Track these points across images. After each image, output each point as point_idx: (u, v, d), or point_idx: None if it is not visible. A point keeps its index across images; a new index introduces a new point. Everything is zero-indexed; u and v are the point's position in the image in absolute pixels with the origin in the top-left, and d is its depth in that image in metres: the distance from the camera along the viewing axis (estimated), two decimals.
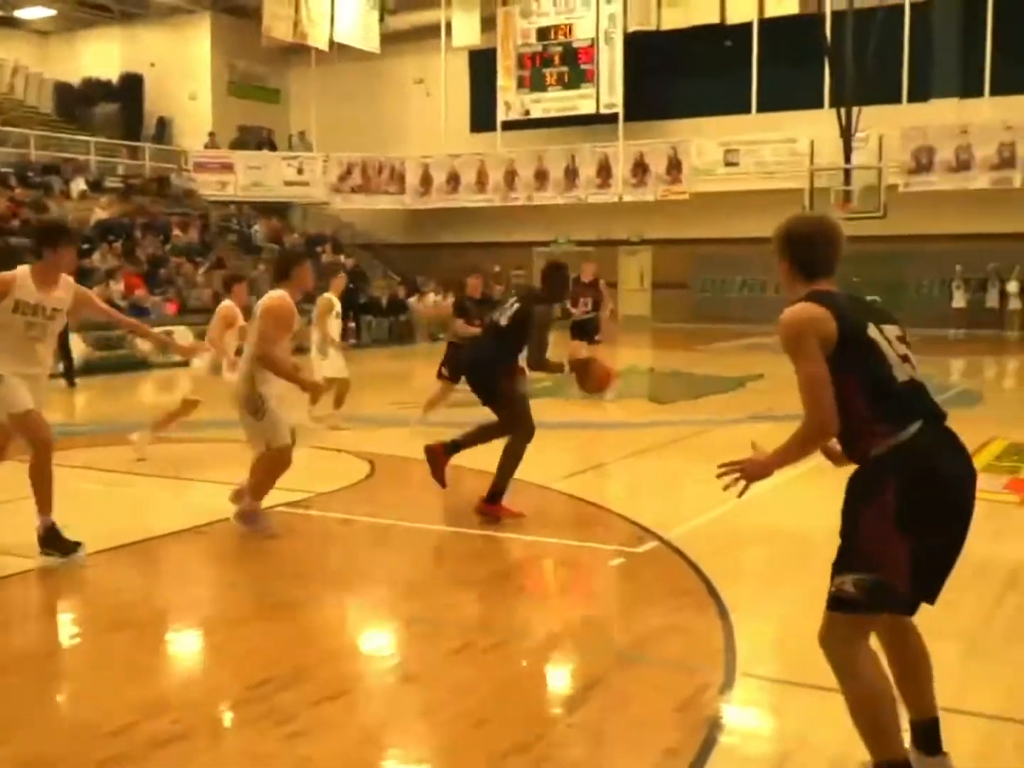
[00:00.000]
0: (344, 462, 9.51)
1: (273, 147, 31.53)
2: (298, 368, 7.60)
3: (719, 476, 3.48)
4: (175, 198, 28.80)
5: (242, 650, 4.94)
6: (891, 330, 3.40)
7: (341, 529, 7.36)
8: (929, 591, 3.32)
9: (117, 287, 21.64)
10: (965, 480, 3.33)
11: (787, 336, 3.33)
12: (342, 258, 28.13)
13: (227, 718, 4.33)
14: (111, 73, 32.21)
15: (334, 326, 11.53)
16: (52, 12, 31.51)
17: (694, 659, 4.77)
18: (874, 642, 3.44)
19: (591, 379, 7.66)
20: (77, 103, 32.41)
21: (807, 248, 3.49)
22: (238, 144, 31.23)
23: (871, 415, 3.28)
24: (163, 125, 32.14)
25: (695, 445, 10.38)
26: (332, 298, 11.50)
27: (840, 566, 3.31)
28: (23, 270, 6.30)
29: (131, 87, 32.06)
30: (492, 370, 7.28)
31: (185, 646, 5.26)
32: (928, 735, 3.49)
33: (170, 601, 5.87)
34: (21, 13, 31.35)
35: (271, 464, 6.79)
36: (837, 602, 3.32)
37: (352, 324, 24.09)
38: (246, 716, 4.26)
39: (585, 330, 14.16)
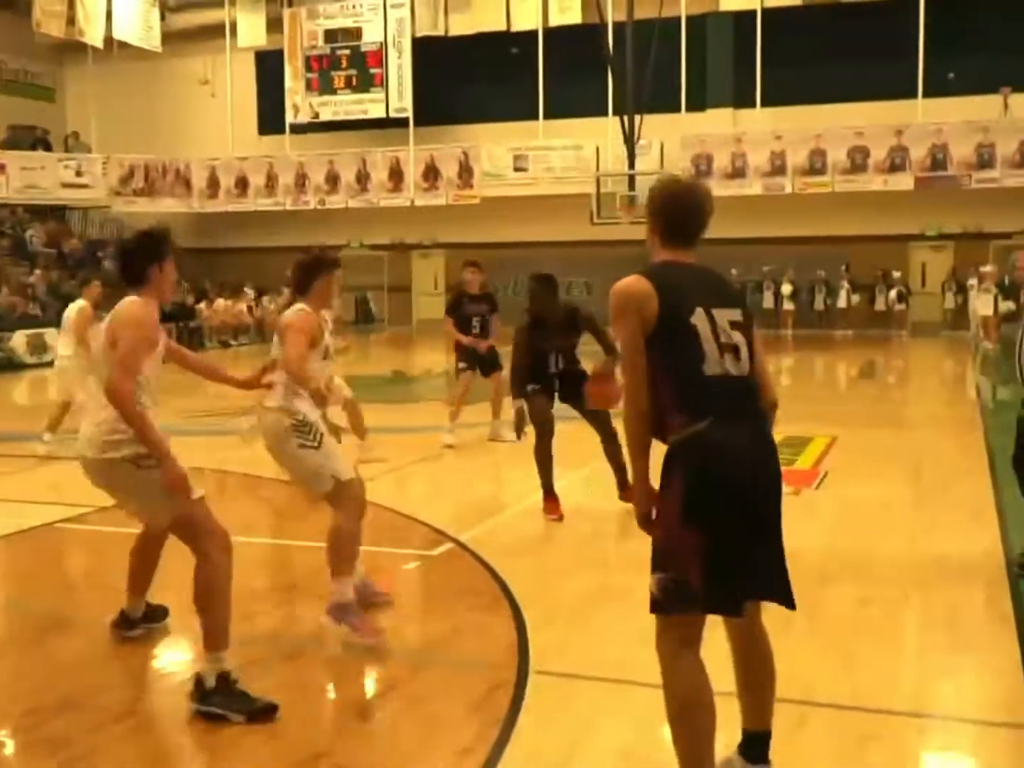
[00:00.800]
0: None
1: (49, 147, 30.09)
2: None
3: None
4: None
5: (12, 677, 4.71)
6: (725, 315, 3.28)
7: (122, 543, 7.09)
8: (731, 593, 3.18)
9: None
10: (755, 478, 3.22)
11: (611, 307, 3.28)
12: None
13: (3, 747, 4.12)
14: None
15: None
16: None
17: (488, 658, 4.83)
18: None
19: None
20: None
21: (668, 212, 3.41)
22: (10, 144, 29.63)
23: (671, 402, 3.22)
24: None
25: (491, 447, 10.49)
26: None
27: (652, 564, 3.25)
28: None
29: None
30: None
31: None
32: (756, 745, 3.42)
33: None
34: None
35: (348, 510, 5.21)
36: (650, 603, 3.24)
37: None
38: (22, 743, 4.07)
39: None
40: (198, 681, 4.25)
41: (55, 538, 6.77)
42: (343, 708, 4.46)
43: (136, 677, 4.83)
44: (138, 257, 4.64)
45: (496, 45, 27.00)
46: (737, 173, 25.99)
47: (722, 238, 25.82)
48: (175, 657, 5.11)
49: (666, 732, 3.28)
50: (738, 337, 3.30)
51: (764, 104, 25.61)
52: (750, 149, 25.91)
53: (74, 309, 10.44)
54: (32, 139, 29.98)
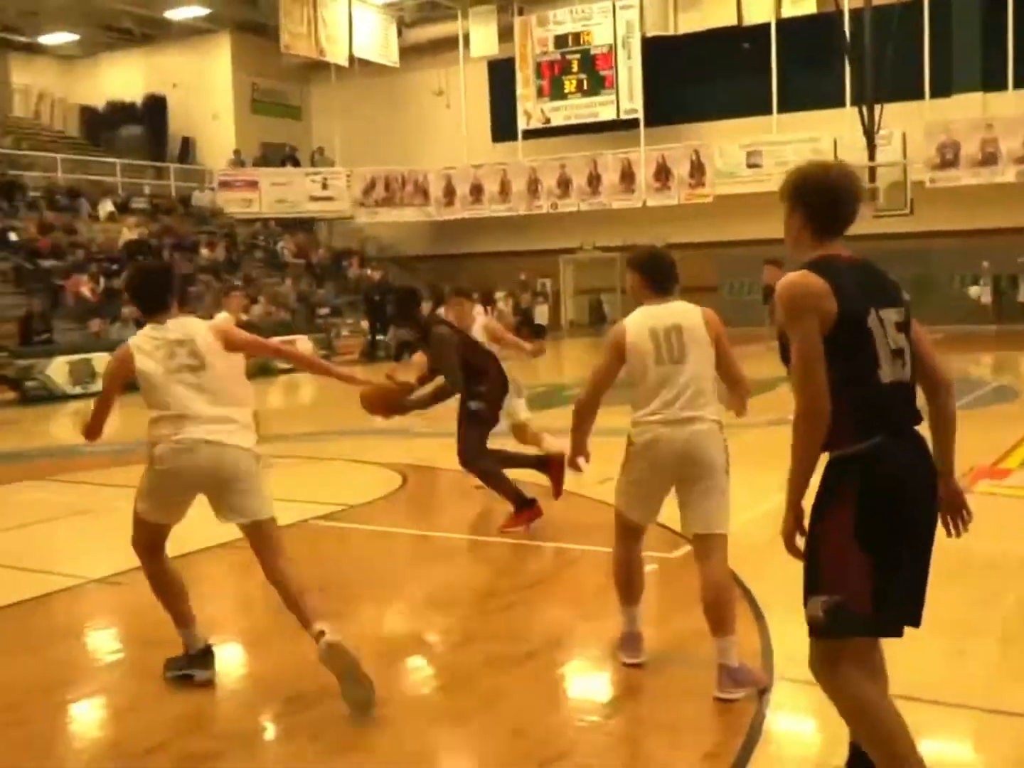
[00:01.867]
0: (376, 474, 9.51)
1: (297, 163, 31.69)
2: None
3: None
4: (201, 217, 28.99)
5: (275, 666, 4.94)
6: (891, 315, 3.06)
7: (373, 541, 7.36)
8: (900, 612, 3.04)
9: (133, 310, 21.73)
10: (927, 491, 3.08)
11: (784, 306, 3.03)
12: (368, 271, 28.23)
13: (262, 734, 4.33)
14: (134, 95, 32.49)
15: None
16: (75, 37, 31.84)
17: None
18: None
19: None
20: (102, 126, 32.71)
21: (822, 201, 3.16)
22: (262, 161, 31.41)
23: (843, 412, 2.98)
24: (187, 145, 32.36)
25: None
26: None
27: (807, 587, 3.10)
28: None
29: (154, 108, 32.32)
30: None
31: (218, 663, 5.26)
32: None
33: (203, 618, 5.88)
34: (45, 39, 31.69)
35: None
36: (811, 628, 3.09)
37: (381, 336, 24.15)
38: (280, 732, 4.26)
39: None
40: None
41: (308, 534, 7.09)
42: (585, 708, 4.46)
43: (390, 668, 4.98)
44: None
45: (727, 40, 26.57)
46: (988, 160, 24.64)
47: (974, 228, 24.83)
48: (420, 651, 5.25)
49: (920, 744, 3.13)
50: (902, 340, 3.07)
51: (1017, 86, 24.17)
52: (1002, 134, 24.51)
53: (218, 320, 10.89)
54: (282, 156, 31.65)
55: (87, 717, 4.58)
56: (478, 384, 7.24)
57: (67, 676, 4.93)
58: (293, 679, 4.69)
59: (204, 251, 26.39)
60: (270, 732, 4.33)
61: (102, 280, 22.65)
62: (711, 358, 4.59)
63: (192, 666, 4.71)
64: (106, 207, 26.59)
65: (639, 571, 4.77)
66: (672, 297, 4.69)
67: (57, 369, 18.22)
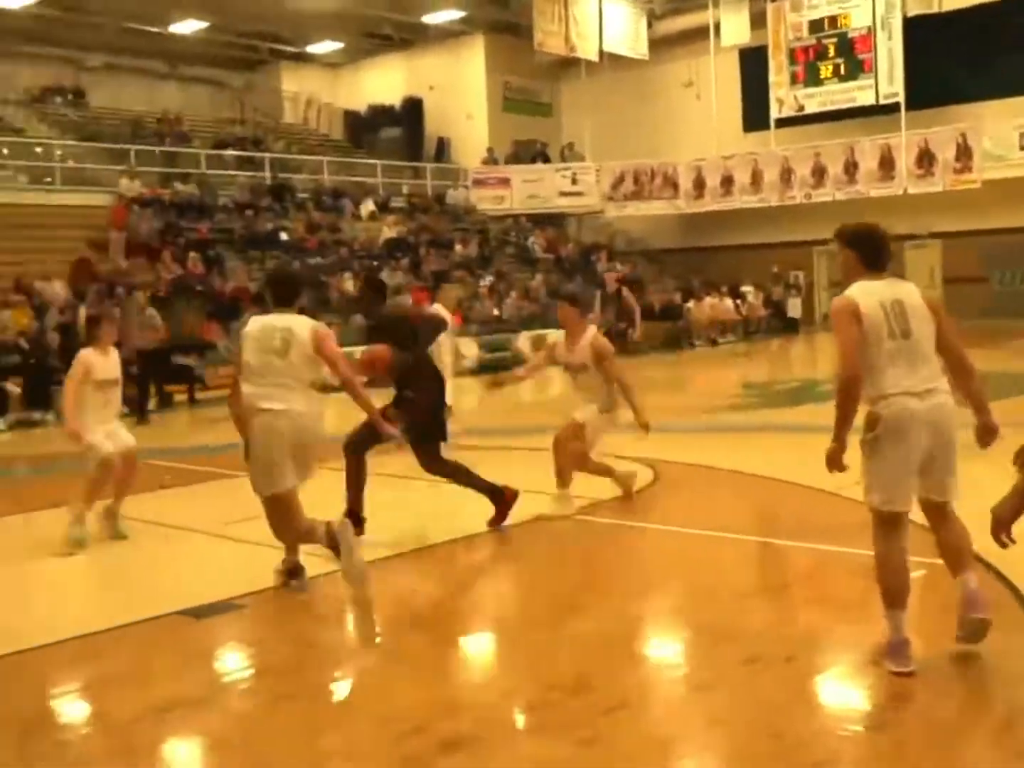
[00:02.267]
0: (626, 467, 9.48)
1: (547, 159, 32.07)
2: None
3: None
4: (456, 214, 29.78)
5: (531, 655, 4.99)
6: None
7: (627, 536, 7.33)
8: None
9: (405, 301, 22.53)
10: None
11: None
12: (618, 265, 28.25)
13: (518, 722, 4.37)
14: (394, 98, 33.67)
15: (446, 345, 10.77)
16: (340, 45, 33.34)
17: (1007, 674, 4.43)
18: None
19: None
20: (364, 129, 34.08)
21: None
22: (514, 159, 31.95)
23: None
24: (443, 145, 33.29)
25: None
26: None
27: None
28: None
29: (412, 110, 33.40)
30: None
31: (477, 649, 5.37)
32: None
33: (462, 604, 6.02)
34: (312, 48, 33.34)
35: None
36: None
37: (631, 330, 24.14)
38: (536, 721, 4.29)
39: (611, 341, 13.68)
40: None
41: (560, 528, 7.14)
42: (848, 717, 4.27)
43: (645, 664, 4.95)
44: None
45: (996, 15, 25.03)
46: None
47: None
48: (676, 649, 5.18)
49: None
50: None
51: None
52: None
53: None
54: (533, 152, 32.10)
55: (346, 694, 4.75)
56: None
57: (329, 656, 5.14)
58: (548, 668, 4.72)
59: (458, 247, 27.10)
60: (526, 720, 4.36)
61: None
62: (933, 335, 4.52)
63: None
64: (368, 206, 27.70)
65: (904, 571, 4.55)
66: (886, 274, 4.60)
67: None
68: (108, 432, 7.51)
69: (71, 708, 4.77)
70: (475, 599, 6.05)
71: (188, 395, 16.91)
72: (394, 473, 9.52)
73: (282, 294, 6.13)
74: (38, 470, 11.59)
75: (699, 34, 29.86)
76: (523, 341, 21.96)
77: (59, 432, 7.46)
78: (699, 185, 30.29)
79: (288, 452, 5.81)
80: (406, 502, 8.43)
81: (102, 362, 7.58)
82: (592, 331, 7.86)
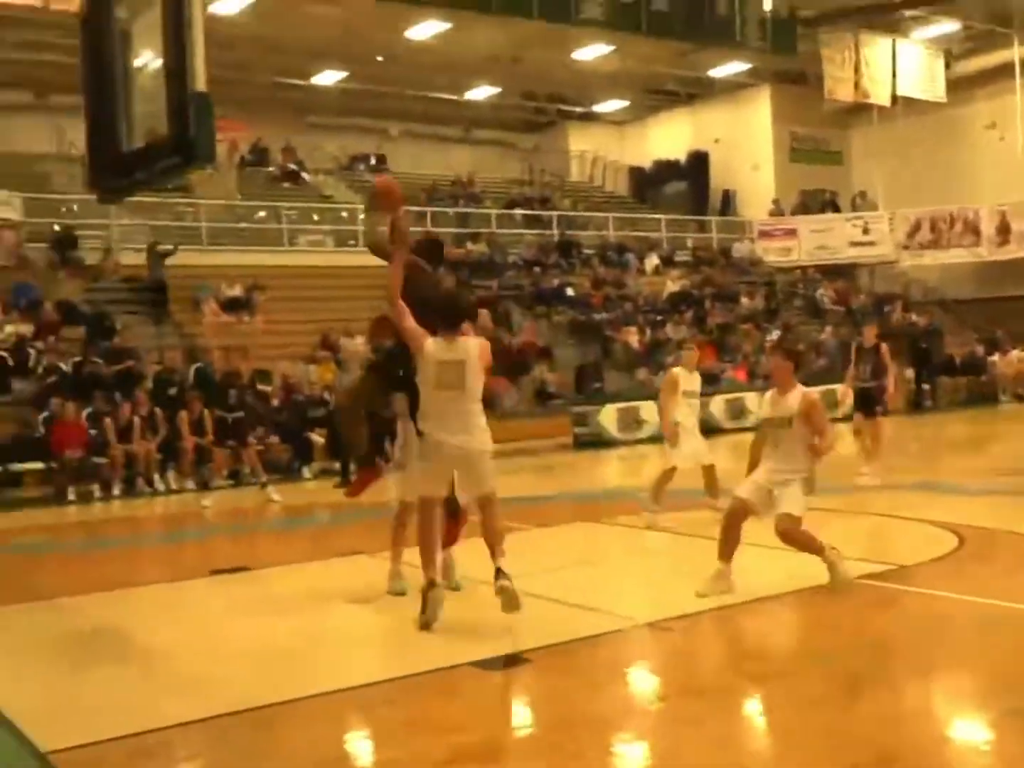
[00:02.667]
0: (926, 533, 8.99)
1: (836, 209, 31.24)
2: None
3: None
4: (741, 267, 29.45)
5: (823, 729, 4.76)
6: None
7: (928, 606, 6.92)
8: None
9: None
10: None
11: None
12: (913, 316, 27.05)
13: None
14: (679, 153, 33.78)
15: (680, 406, 10.20)
16: (626, 103, 33.85)
17: None
18: None
19: None
20: (649, 184, 34.36)
21: None
22: (801, 209, 31.31)
23: None
24: (728, 197, 33.07)
25: None
26: (678, 372, 10.41)
27: None
28: None
29: (697, 164, 33.39)
30: None
31: (762, 718, 5.18)
32: None
33: (747, 670, 5.83)
34: (599, 107, 34.03)
35: None
36: None
37: (926, 386, 23.03)
38: None
39: (866, 401, 12.54)
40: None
41: (856, 594, 6.82)
42: None
43: (940, 742, 4.64)
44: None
45: None
46: None
47: None
48: (984, 735, 4.82)
49: None
50: None
51: None
52: None
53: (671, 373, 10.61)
54: (821, 202, 31.37)
55: (633, 757, 4.68)
56: None
57: (614, 716, 5.09)
58: (846, 743, 4.49)
59: (744, 300, 26.78)
60: None
61: (648, 331, 23.70)
62: None
63: None
64: (652, 261, 27.86)
65: None
66: None
67: (607, 416, 19.29)
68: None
69: (366, 751, 4.95)
70: (760, 666, 5.85)
71: None
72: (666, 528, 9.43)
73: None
74: (339, 518, 12.22)
75: (1001, 73, 28.38)
76: (716, 404, 20.79)
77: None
78: (1003, 231, 28.62)
79: None
80: (678, 560, 8.32)
81: None
82: (803, 388, 7.25)
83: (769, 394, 7.41)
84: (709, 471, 10.18)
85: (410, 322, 6.64)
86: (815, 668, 5.73)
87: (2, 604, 7.94)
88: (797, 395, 7.10)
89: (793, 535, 7.02)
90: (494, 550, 6.56)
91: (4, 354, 16.82)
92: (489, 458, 6.73)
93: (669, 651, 6.20)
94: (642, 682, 5.85)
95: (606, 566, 8.47)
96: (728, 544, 7.11)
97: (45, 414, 15.22)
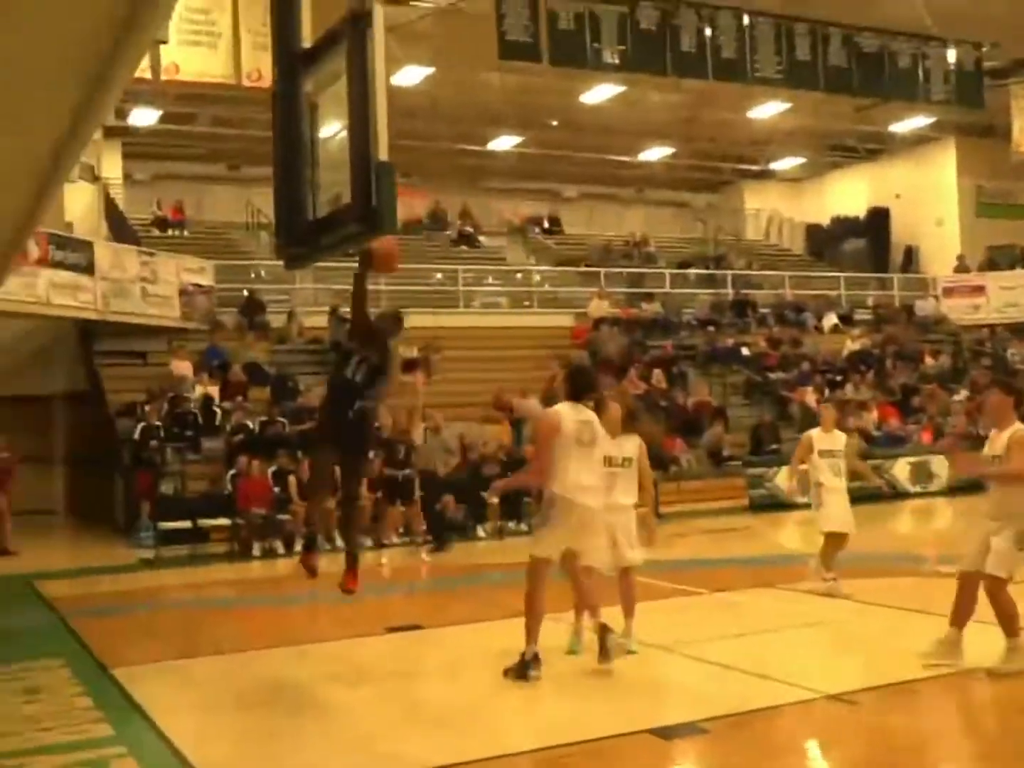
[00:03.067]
0: None
1: None
2: None
3: None
4: (924, 325, 28.50)
5: None
6: None
7: None
8: None
9: (871, 416, 21.80)
10: None
11: None
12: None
13: None
14: (858, 209, 33.06)
15: (820, 467, 9.83)
16: (802, 160, 33.39)
17: None
18: None
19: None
20: (826, 241, 33.70)
21: None
22: (988, 265, 30.15)
23: None
24: (910, 254, 32.13)
25: None
26: (812, 433, 10.08)
27: None
28: None
29: (877, 220, 32.59)
30: None
31: None
32: None
33: (945, 751, 5.54)
34: (775, 165, 33.66)
35: None
36: None
37: None
38: None
39: None
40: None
41: None
42: None
43: None
44: None
45: None
46: None
47: None
48: None
49: None
50: None
51: None
52: None
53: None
54: (1011, 258, 30.15)
55: None
56: None
57: None
58: None
59: (928, 360, 25.86)
60: None
61: (826, 391, 23.12)
62: None
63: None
64: (830, 319, 27.24)
65: None
66: None
67: (784, 478, 18.77)
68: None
69: None
70: (960, 746, 5.54)
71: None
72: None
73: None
74: (512, 577, 12.24)
75: None
76: (900, 468, 19.95)
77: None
78: None
79: None
80: (859, 629, 8.00)
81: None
82: (1019, 425, 6.75)
83: (992, 433, 6.96)
84: (837, 540, 9.77)
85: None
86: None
87: (191, 656, 8.23)
88: (1010, 431, 6.66)
89: (996, 599, 6.59)
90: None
91: (195, 413, 17.61)
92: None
93: (854, 726, 5.94)
94: (822, 758, 5.63)
95: (785, 634, 8.22)
96: (960, 610, 6.72)
97: (232, 472, 15.81)
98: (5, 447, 15.93)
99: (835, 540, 9.74)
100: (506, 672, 6.79)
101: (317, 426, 8.35)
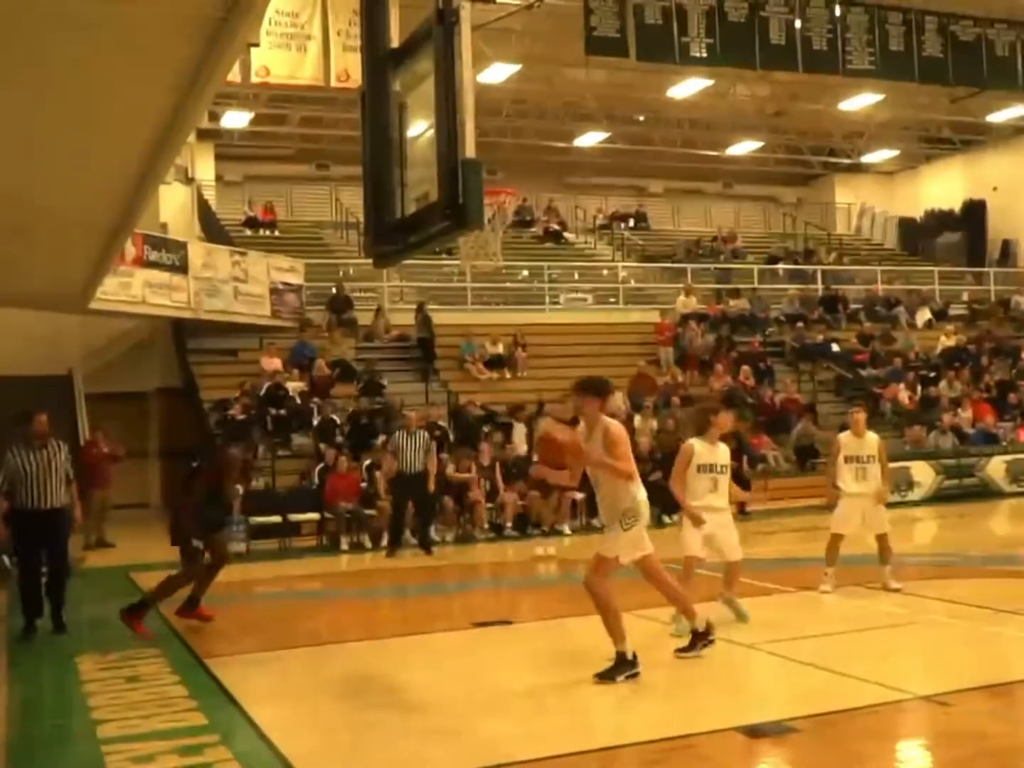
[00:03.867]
0: None
1: None
2: None
3: None
4: (1021, 320, 27.78)
5: None
6: None
7: None
8: None
9: (965, 415, 21.34)
10: None
11: None
12: None
13: None
14: (953, 202, 32.36)
15: (843, 471, 9.87)
16: (895, 152, 32.77)
17: None
18: None
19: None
20: (920, 235, 33.05)
21: None
22: None
23: None
24: (1008, 248, 31.36)
25: None
26: (841, 437, 10.25)
27: None
28: None
29: (973, 213, 31.87)
30: None
31: None
32: None
33: None
34: (867, 158, 33.07)
35: None
36: None
37: None
38: None
39: None
40: None
41: None
42: None
43: None
44: None
45: None
46: None
47: None
48: None
49: None
50: None
51: None
52: None
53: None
54: None
55: None
56: None
57: None
58: None
59: None
60: None
61: (919, 388, 22.69)
62: None
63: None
64: (924, 315, 26.72)
65: None
66: None
67: None
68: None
69: None
70: None
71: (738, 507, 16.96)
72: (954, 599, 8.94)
73: None
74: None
75: None
76: (995, 466, 19.46)
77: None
78: None
79: None
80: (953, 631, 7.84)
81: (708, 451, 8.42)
82: None
83: None
84: (881, 539, 9.87)
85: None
86: None
87: (281, 648, 8.39)
88: None
89: None
90: None
91: (285, 410, 17.89)
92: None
93: (946, 728, 5.84)
94: (914, 760, 5.54)
95: (874, 634, 8.10)
96: None
97: (320, 466, 16.04)
98: (106, 442, 16.37)
99: (836, 538, 9.92)
100: (604, 676, 6.74)
101: None
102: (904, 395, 22.11)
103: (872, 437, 10.08)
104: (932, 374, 23.29)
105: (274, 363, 19.07)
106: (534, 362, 21.37)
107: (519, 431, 17.63)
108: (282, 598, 11.57)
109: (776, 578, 10.65)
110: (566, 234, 29.31)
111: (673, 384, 21.21)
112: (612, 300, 25.82)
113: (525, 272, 25.98)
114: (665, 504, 14.20)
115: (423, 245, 5.77)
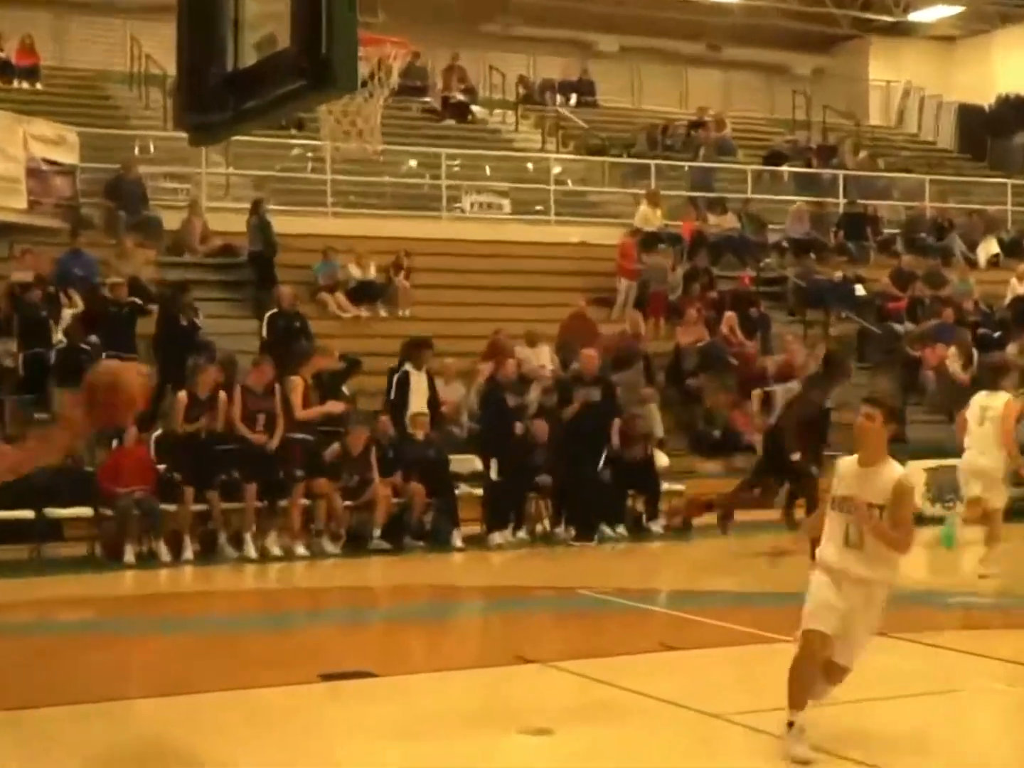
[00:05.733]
0: None
1: None
2: None
3: None
4: None
5: None
6: None
7: None
8: None
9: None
10: None
11: None
12: None
13: None
14: None
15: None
16: (956, 10, 32.84)
17: None
18: None
19: None
20: (988, 132, 33.34)
21: None
22: None
23: None
24: None
25: None
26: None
27: None
28: None
29: None
30: None
31: None
32: None
33: None
34: (916, 15, 33.03)
35: None
36: None
37: None
38: None
39: None
40: None
41: None
42: None
43: None
44: None
45: None
46: None
47: None
48: None
49: None
50: None
51: None
52: None
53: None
54: None
55: None
56: None
57: None
58: None
59: None
60: None
61: (975, 352, 22.86)
62: None
63: None
64: (989, 248, 26.97)
65: None
66: None
67: (913, 479, 18.67)
68: None
69: None
70: None
71: (785, 512, 16.98)
72: None
73: None
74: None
75: None
76: None
77: None
78: None
79: None
80: None
81: None
82: None
83: None
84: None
85: None
86: None
87: (32, 706, 8.31)
88: None
89: None
90: None
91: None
92: None
93: None
94: None
95: (907, 704, 8.26)
96: None
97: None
98: None
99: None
100: None
101: None
102: (955, 362, 22.30)
103: (891, 472, 7.30)
104: (997, 333, 23.56)
105: (29, 278, 18.72)
106: (421, 295, 21.29)
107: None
108: (33, 633, 11.45)
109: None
110: (475, 108, 29.16)
111: (630, 335, 20.73)
112: (540, 209, 25.80)
113: (413, 162, 25.90)
114: None
115: (264, 114, 5.72)
